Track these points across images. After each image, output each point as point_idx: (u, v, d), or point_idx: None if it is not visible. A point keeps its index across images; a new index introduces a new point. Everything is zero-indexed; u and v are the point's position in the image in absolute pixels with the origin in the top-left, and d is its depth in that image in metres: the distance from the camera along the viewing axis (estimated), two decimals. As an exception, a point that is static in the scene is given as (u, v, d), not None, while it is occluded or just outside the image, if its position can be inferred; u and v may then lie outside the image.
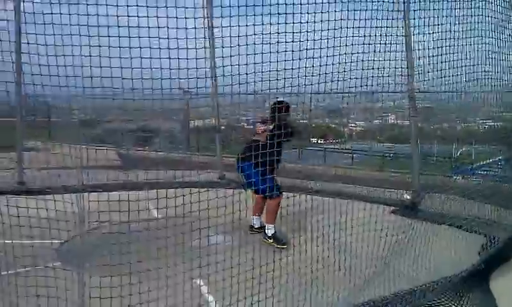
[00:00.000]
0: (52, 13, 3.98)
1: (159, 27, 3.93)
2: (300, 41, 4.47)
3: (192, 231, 3.97)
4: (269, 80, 4.32)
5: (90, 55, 3.74)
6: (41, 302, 3.52)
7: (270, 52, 4.35)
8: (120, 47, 3.78)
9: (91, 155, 3.84)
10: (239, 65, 4.24)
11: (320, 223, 4.84)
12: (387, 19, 5.50)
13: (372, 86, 5.34)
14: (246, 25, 4.32)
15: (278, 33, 4.41)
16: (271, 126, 5.91)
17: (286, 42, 4.41)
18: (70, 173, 4.00)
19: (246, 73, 4.24)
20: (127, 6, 3.86)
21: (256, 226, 6.76)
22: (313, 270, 4.39)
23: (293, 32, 4.47)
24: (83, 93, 4.09)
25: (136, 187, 3.96)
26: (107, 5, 3.88)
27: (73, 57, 3.75)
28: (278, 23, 4.46)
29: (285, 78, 4.38)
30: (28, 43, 4.04)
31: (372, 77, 5.18)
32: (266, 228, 6.33)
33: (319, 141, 18.22)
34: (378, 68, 5.26)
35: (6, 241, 3.81)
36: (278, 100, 5.93)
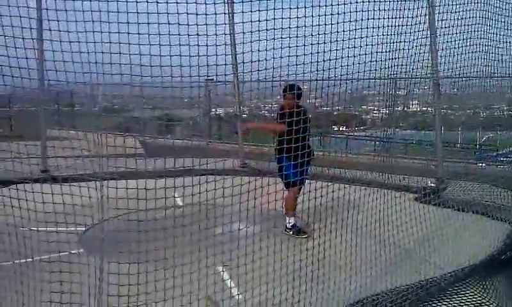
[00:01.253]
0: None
1: (186, 14, 3.92)
2: (325, 24, 4.42)
3: (214, 219, 4.00)
4: (285, 66, 4.28)
5: (110, 42, 3.75)
6: (64, 288, 3.57)
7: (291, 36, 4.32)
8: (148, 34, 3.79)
9: (113, 143, 3.88)
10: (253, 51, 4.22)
11: (342, 211, 4.82)
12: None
13: (395, 72, 5.28)
14: (267, 10, 4.29)
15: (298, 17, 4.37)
16: None
17: (310, 26, 4.37)
18: (93, 161, 4.04)
19: (272, 59, 4.21)
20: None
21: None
22: (335, 257, 4.37)
23: (319, 16, 4.42)
24: (105, 81, 4.12)
25: (158, 174, 3.98)
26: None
27: (92, 45, 3.76)
28: (301, 8, 4.42)
29: (304, 64, 4.35)
30: (50, 30, 4.05)
31: (396, 60, 5.10)
32: (287, 220, 6.28)
33: (341, 128, 18.10)
34: (402, 51, 5.16)
35: (31, 228, 3.85)
36: (290, 84, 5.78)
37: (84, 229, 5.45)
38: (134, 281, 3.51)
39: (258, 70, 4.16)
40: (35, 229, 3.81)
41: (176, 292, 3.58)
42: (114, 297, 3.41)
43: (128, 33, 3.75)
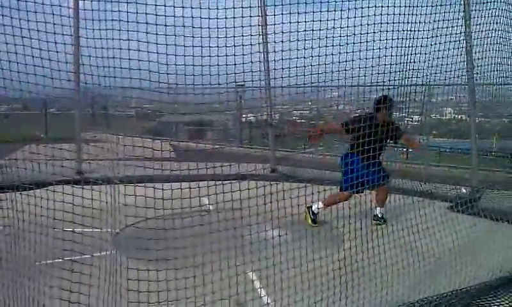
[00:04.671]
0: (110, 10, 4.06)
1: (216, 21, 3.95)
2: (354, 29, 4.40)
3: (243, 224, 4.00)
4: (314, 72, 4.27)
5: (143, 51, 3.80)
6: (93, 289, 3.59)
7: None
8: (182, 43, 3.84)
9: (145, 147, 3.91)
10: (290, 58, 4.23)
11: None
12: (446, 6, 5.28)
13: (428, 79, 5.20)
14: (298, 22, 4.31)
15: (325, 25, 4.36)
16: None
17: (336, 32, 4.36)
18: (125, 164, 4.08)
19: (302, 66, 4.21)
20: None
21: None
22: (368, 268, 4.30)
23: (353, 18, 4.41)
24: (139, 86, 4.17)
25: (189, 179, 4.00)
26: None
27: (126, 50, 3.83)
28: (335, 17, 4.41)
29: (333, 71, 4.34)
30: (87, 38, 4.14)
31: (431, 68, 5.01)
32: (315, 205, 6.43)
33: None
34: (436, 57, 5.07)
35: (61, 229, 3.88)
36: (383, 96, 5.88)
37: (111, 231, 5.49)
38: (161, 287, 3.51)
39: (289, 76, 4.18)
40: (63, 229, 3.83)
41: (204, 298, 3.57)
42: (135, 303, 3.40)
43: (154, 35, 3.80)
